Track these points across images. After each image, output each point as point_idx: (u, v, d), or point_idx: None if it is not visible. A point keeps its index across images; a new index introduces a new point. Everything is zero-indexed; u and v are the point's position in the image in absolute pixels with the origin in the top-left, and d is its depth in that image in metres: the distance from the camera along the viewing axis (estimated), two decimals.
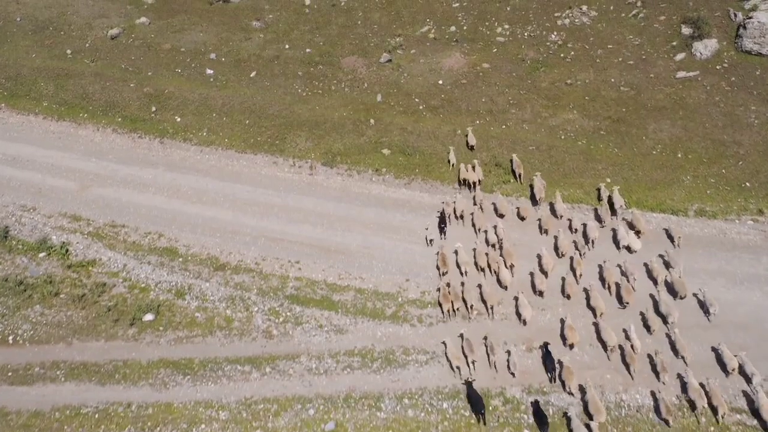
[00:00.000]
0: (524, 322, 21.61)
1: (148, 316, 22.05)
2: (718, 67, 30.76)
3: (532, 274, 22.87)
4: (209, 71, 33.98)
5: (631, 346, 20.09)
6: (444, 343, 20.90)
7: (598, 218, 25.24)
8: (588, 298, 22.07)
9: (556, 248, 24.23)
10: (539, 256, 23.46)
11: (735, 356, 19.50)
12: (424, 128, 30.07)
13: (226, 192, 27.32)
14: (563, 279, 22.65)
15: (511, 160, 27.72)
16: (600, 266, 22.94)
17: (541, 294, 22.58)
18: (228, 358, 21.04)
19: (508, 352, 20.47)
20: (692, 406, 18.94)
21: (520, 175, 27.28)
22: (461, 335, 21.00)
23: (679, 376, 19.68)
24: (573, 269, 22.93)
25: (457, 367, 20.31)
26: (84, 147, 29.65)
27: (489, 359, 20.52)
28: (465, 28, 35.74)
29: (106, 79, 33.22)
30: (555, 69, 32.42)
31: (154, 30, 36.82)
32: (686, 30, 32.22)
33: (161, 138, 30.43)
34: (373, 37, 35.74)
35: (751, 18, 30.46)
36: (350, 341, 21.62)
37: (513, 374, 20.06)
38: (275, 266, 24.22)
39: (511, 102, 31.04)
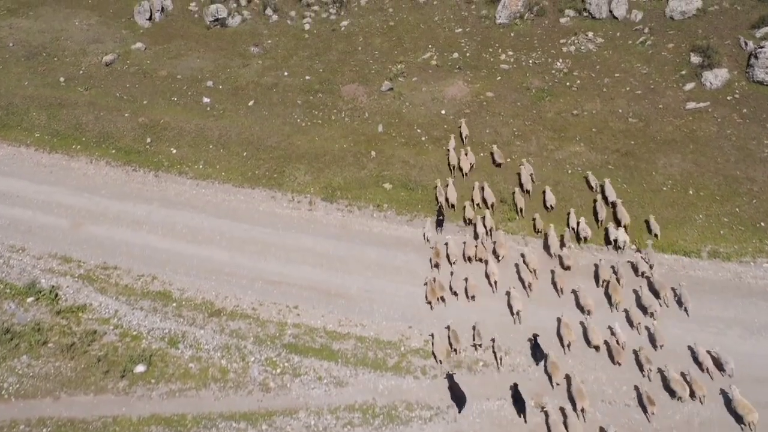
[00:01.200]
0: (517, 314, 22.42)
1: (140, 368, 21.09)
2: (729, 98, 29.89)
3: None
4: (206, 100, 33.11)
5: (617, 342, 20.84)
6: (432, 335, 21.68)
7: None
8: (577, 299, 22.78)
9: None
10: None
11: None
12: (426, 161, 29.18)
13: (222, 230, 26.36)
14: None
15: (513, 193, 26.90)
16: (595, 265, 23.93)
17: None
18: (223, 414, 20.07)
19: (493, 340, 21.49)
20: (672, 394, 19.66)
21: (521, 210, 26.49)
22: (448, 327, 21.88)
23: (660, 370, 20.24)
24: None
25: (440, 362, 21.11)
26: (76, 181, 28.73)
27: (476, 348, 21.48)
28: (468, 54, 34.90)
29: (100, 108, 32.35)
30: (561, 98, 31.55)
31: (150, 56, 35.96)
32: (695, 59, 31.36)
33: (156, 171, 29.52)
34: (374, 64, 34.87)
35: (762, 47, 29.68)
36: (350, 395, 20.65)
37: (500, 358, 21.09)
38: (273, 312, 23.29)
39: (516, 133, 30.17)
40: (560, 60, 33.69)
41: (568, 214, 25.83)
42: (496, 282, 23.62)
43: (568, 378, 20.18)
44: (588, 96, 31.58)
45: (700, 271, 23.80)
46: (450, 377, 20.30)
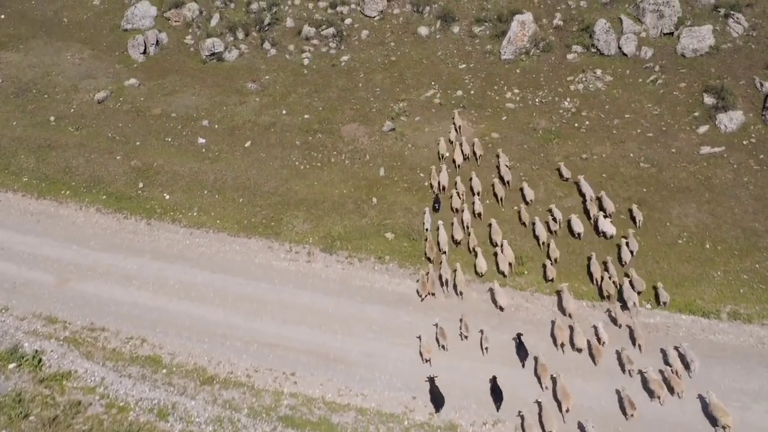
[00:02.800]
0: (501, 309, 23.64)
1: None
2: (745, 143, 28.71)
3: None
4: (201, 140, 31.89)
5: (598, 340, 21.76)
6: (419, 337, 22.43)
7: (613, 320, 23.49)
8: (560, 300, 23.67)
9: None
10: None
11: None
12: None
13: (216, 285, 25.09)
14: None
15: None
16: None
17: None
18: None
19: (482, 331, 22.48)
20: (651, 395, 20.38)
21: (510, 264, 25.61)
22: (436, 324, 22.85)
23: (640, 371, 20.97)
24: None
25: (427, 360, 21.83)
26: (65, 231, 27.46)
27: (461, 334, 22.64)
28: (472, 92, 33.75)
29: (91, 150, 31.14)
30: (569, 140, 30.36)
31: (143, 93, 34.78)
32: (709, 99, 30.18)
33: (148, 219, 28.28)
34: (375, 102, 33.69)
35: None
36: None
37: (485, 348, 22.17)
38: (268, 379, 21.97)
39: (523, 178, 28.98)
40: (568, 99, 32.50)
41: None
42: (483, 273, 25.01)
43: (553, 379, 20.92)
44: (597, 138, 30.36)
45: (721, 335, 22.51)
46: (431, 380, 21.03)
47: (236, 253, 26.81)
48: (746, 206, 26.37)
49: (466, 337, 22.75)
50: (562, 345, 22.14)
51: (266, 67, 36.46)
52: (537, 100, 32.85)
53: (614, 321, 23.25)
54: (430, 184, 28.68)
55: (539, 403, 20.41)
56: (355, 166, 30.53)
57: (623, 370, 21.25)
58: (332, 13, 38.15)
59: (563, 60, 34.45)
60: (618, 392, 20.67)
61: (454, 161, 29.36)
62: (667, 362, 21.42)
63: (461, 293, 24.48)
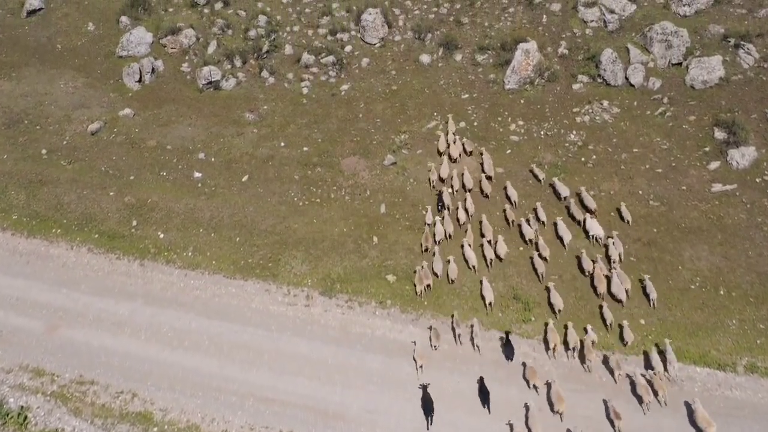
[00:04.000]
0: (490, 305, 24.50)
1: None
2: (758, 180, 27.79)
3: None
4: (197, 174, 30.95)
5: (591, 342, 22.41)
6: (414, 342, 23.16)
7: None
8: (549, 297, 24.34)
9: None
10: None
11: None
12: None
13: (211, 333, 24.11)
14: None
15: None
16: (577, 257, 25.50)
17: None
18: None
19: (472, 325, 23.52)
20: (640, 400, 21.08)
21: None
22: (430, 327, 23.78)
23: (628, 376, 21.71)
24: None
25: (420, 367, 22.41)
26: (55, 273, 26.48)
27: (455, 334, 23.55)
28: (476, 124, 32.85)
29: (83, 185, 30.19)
30: (575, 176, 29.45)
31: (138, 123, 33.85)
32: (719, 134, 29.26)
33: (141, 260, 27.29)
34: (376, 133, 32.78)
35: None
36: None
37: (477, 346, 23.22)
38: None
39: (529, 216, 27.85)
40: (574, 131, 31.59)
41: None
42: (475, 266, 26.02)
43: (548, 383, 21.51)
44: (605, 174, 29.43)
45: (738, 391, 21.52)
46: (424, 388, 21.65)
47: (232, 296, 25.82)
48: (761, 248, 25.43)
49: (459, 335, 23.83)
50: (554, 349, 23.17)
51: (264, 97, 35.53)
52: (542, 132, 31.92)
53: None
54: (429, 178, 29.98)
55: (526, 406, 21.14)
56: (355, 202, 29.58)
57: (612, 376, 21.92)
58: (332, 40, 37.27)
59: (569, 90, 33.54)
60: (605, 401, 21.20)
61: (449, 155, 30.56)
62: (649, 366, 22.18)
63: (453, 281, 25.63)
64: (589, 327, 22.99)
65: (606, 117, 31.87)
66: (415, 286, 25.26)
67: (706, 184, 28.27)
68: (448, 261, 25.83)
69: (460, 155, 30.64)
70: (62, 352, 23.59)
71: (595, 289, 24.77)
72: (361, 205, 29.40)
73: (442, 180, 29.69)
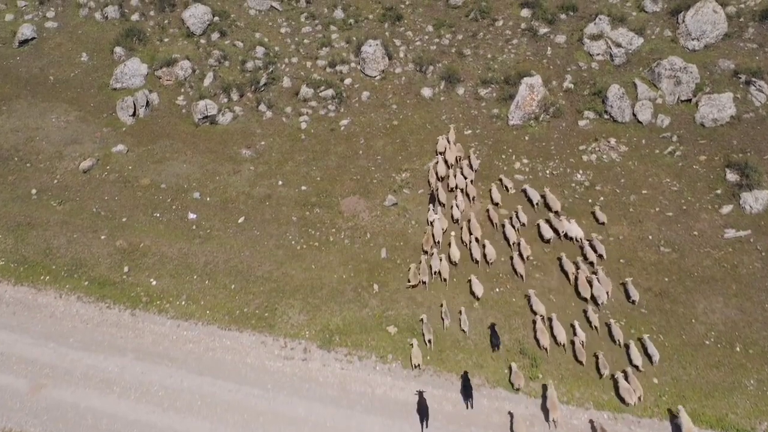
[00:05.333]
0: (477, 299, 25.47)
1: None
2: None
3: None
4: (192, 216, 29.90)
5: (581, 342, 23.16)
6: (411, 343, 23.99)
7: None
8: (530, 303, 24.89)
9: None
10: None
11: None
12: (435, 298, 25.87)
13: (204, 392, 23.00)
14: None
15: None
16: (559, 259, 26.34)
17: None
18: None
19: (460, 312, 24.66)
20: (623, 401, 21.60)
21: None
22: (422, 319, 24.67)
23: (613, 377, 22.28)
24: None
25: (417, 365, 23.28)
26: (42, 325, 25.41)
27: (443, 323, 24.66)
28: (479, 161, 31.69)
29: (74, 228, 29.15)
30: (583, 219, 28.50)
31: (132, 160, 32.83)
32: (732, 176, 28.27)
33: (133, 309, 26.23)
34: (377, 171, 31.77)
35: None
36: None
37: (464, 331, 24.31)
38: None
39: (535, 263, 26.99)
40: (580, 171, 30.60)
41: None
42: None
43: (543, 387, 22.20)
44: (613, 217, 28.42)
45: None
46: (420, 394, 22.32)
47: (227, 350, 24.73)
48: None
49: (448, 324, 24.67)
50: (546, 350, 23.88)
51: (262, 132, 34.54)
52: (547, 171, 30.95)
53: None
54: (428, 181, 30.57)
55: (511, 414, 21.48)
56: (355, 246, 28.53)
57: (599, 374, 22.66)
58: (331, 72, 36.34)
59: (574, 126, 32.57)
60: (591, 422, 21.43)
61: (446, 161, 31.08)
62: (631, 362, 22.90)
63: (445, 280, 26.42)
64: (576, 323, 23.98)
65: (613, 156, 30.88)
66: (409, 280, 26.24)
67: (719, 229, 27.25)
68: (440, 259, 26.53)
69: (457, 159, 31.21)
70: (47, 414, 22.51)
71: (578, 293, 25.47)
72: (361, 249, 28.34)
73: (441, 179, 30.36)
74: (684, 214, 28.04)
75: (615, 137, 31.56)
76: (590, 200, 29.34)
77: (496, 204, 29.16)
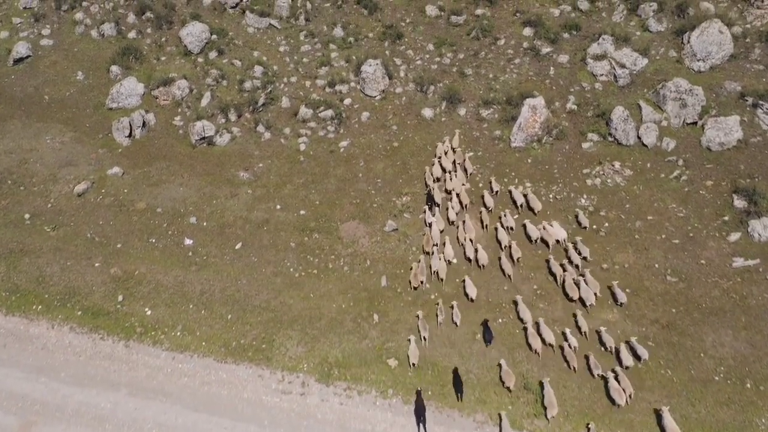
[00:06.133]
0: (471, 300, 25.89)
1: None
2: None
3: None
4: (188, 241, 29.25)
5: (570, 346, 23.52)
6: (409, 339, 24.42)
7: None
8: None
9: None
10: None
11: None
12: (437, 329, 25.20)
13: (198, 429, 22.58)
14: None
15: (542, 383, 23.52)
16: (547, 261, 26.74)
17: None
18: None
19: (452, 306, 25.38)
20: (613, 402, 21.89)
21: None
22: (417, 315, 25.29)
23: (603, 378, 22.59)
24: None
25: (413, 364, 23.69)
26: (33, 358, 24.78)
27: (437, 319, 25.25)
28: (481, 185, 31.17)
29: (67, 255, 28.48)
30: (587, 245, 27.77)
31: (127, 183, 32.22)
32: (739, 202, 27.65)
33: (127, 340, 25.61)
34: (377, 195, 31.15)
35: None
36: None
37: (456, 324, 24.93)
38: None
39: (539, 293, 26.33)
40: (584, 195, 29.97)
41: None
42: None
43: (540, 384, 22.55)
44: (619, 244, 27.78)
45: None
46: (419, 393, 22.64)
47: (223, 384, 24.07)
48: None
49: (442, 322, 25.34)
50: (536, 352, 24.29)
51: (260, 153, 33.94)
52: (551, 196, 30.34)
53: None
54: (425, 183, 30.89)
55: (500, 416, 21.72)
56: (354, 273, 27.90)
57: (591, 374, 23.05)
58: (330, 92, 35.78)
59: (578, 149, 31.98)
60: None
61: (443, 168, 31.35)
62: (620, 362, 23.25)
63: (442, 279, 26.97)
64: (567, 331, 24.20)
65: (618, 180, 30.27)
66: (410, 282, 26.79)
67: (727, 258, 26.61)
68: (440, 258, 27.14)
69: (454, 164, 31.54)
70: None
71: (567, 295, 25.86)
72: (360, 277, 27.71)
73: (437, 179, 30.82)
74: (691, 242, 27.40)
75: (619, 160, 30.95)
76: (595, 226, 28.68)
77: (489, 209, 29.60)
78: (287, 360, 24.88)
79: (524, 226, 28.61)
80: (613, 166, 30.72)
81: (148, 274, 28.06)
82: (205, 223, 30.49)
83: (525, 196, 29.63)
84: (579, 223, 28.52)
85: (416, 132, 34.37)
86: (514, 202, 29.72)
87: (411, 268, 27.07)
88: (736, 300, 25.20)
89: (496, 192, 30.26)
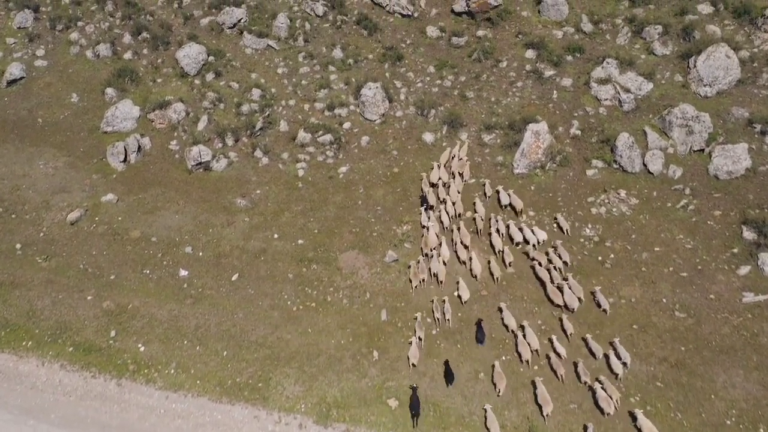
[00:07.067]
0: (462, 302, 26.38)
1: None
2: None
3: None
4: (183, 273, 28.51)
5: (557, 354, 23.96)
6: (410, 342, 24.71)
7: None
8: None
9: None
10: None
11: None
12: (440, 367, 24.43)
13: None
14: None
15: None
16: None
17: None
18: None
19: (444, 300, 26.16)
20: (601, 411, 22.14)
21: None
22: (416, 317, 25.91)
23: (590, 388, 23.00)
24: None
25: (413, 365, 24.24)
26: (22, 398, 24.08)
27: (434, 315, 25.96)
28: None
29: (59, 288, 27.75)
30: (593, 278, 27.10)
31: (122, 210, 31.49)
32: (748, 234, 26.92)
33: (119, 378, 24.84)
34: (376, 223, 30.43)
35: None
36: None
37: (448, 320, 25.72)
38: None
39: (543, 328, 25.67)
40: (589, 225, 29.25)
41: None
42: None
43: (533, 383, 23.18)
44: (625, 277, 27.04)
45: None
46: (414, 389, 23.31)
47: (217, 425, 23.38)
48: None
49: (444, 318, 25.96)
50: (527, 362, 24.52)
51: (257, 179, 33.22)
52: (555, 225, 29.47)
53: None
54: (421, 189, 30.91)
55: (485, 410, 22.45)
56: (354, 306, 27.17)
57: (580, 381, 23.38)
58: (330, 115, 35.07)
59: (582, 176, 31.26)
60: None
61: (440, 179, 31.33)
62: (609, 368, 23.72)
63: (442, 282, 27.40)
64: (554, 338, 24.55)
65: (624, 209, 29.54)
66: (410, 281, 27.44)
67: (737, 292, 25.88)
68: (438, 261, 27.60)
69: (453, 174, 31.65)
70: None
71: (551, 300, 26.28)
72: (360, 311, 26.97)
73: (433, 185, 31.04)
74: (699, 275, 26.67)
75: (625, 188, 30.26)
76: (600, 257, 27.96)
77: (482, 217, 29.82)
78: (284, 400, 24.13)
79: (507, 227, 29.06)
80: (618, 194, 30.01)
81: (141, 307, 27.31)
82: (200, 253, 29.72)
83: (509, 195, 30.00)
84: (560, 227, 29.01)
85: (417, 157, 33.67)
86: (499, 202, 30.16)
87: (409, 266, 27.60)
88: (747, 338, 24.45)
89: (489, 197, 30.77)
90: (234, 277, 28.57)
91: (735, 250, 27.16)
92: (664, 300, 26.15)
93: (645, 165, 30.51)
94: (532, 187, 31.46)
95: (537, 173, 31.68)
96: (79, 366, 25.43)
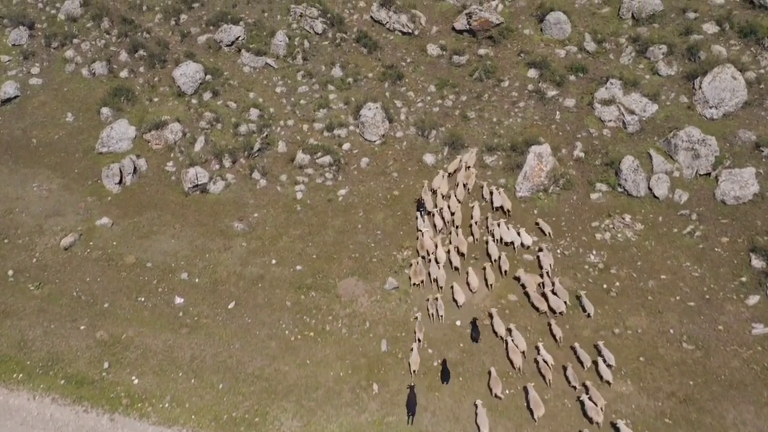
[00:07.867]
0: (458, 306, 26.96)
1: None
2: None
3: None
4: (179, 300, 27.88)
5: (544, 360, 24.15)
6: (412, 348, 24.93)
7: None
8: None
9: None
10: None
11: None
12: (441, 402, 24.00)
13: None
14: None
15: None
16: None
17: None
18: None
19: (437, 298, 26.70)
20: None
21: None
22: (416, 318, 26.45)
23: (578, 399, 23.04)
24: None
25: (414, 371, 24.47)
26: None
27: (428, 311, 26.66)
28: (485, 238, 29.75)
29: (51, 317, 27.15)
30: (598, 307, 26.57)
31: (116, 234, 30.85)
32: (757, 262, 26.30)
33: (112, 413, 24.22)
34: (376, 248, 29.79)
35: None
36: None
37: (441, 317, 26.26)
38: None
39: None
40: (594, 251, 28.61)
41: None
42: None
43: (525, 389, 23.48)
44: (631, 306, 26.41)
45: None
46: (411, 389, 23.70)
47: None
48: None
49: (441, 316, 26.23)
50: (519, 369, 24.86)
51: (255, 202, 32.59)
52: (558, 251, 29.02)
53: None
54: (421, 198, 31.02)
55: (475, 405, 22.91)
56: (353, 336, 26.53)
57: (570, 385, 23.69)
58: (329, 136, 34.47)
59: (586, 200, 30.63)
60: None
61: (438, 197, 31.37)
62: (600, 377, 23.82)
63: (441, 287, 27.66)
64: (540, 345, 24.92)
65: (629, 234, 28.92)
66: (410, 278, 28.01)
67: (745, 323, 25.26)
68: (438, 267, 28.17)
69: (457, 185, 31.75)
70: None
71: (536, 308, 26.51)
72: (359, 341, 26.33)
73: (434, 192, 31.09)
74: (707, 305, 26.03)
75: (630, 213, 29.63)
76: (605, 285, 27.33)
77: (477, 223, 30.10)
78: None
79: (498, 224, 29.50)
80: (623, 219, 29.38)
81: (135, 337, 26.66)
82: (197, 279, 29.09)
83: (499, 194, 30.34)
84: (542, 231, 29.40)
85: (417, 179, 33.06)
86: (491, 203, 30.51)
87: (410, 265, 28.19)
88: (757, 372, 23.80)
89: (486, 199, 30.97)
90: (231, 305, 27.96)
91: (743, 279, 26.54)
92: (672, 331, 25.52)
93: (650, 189, 29.89)
94: (535, 211, 30.86)
95: (540, 196, 31.08)
96: (70, 400, 24.78)
